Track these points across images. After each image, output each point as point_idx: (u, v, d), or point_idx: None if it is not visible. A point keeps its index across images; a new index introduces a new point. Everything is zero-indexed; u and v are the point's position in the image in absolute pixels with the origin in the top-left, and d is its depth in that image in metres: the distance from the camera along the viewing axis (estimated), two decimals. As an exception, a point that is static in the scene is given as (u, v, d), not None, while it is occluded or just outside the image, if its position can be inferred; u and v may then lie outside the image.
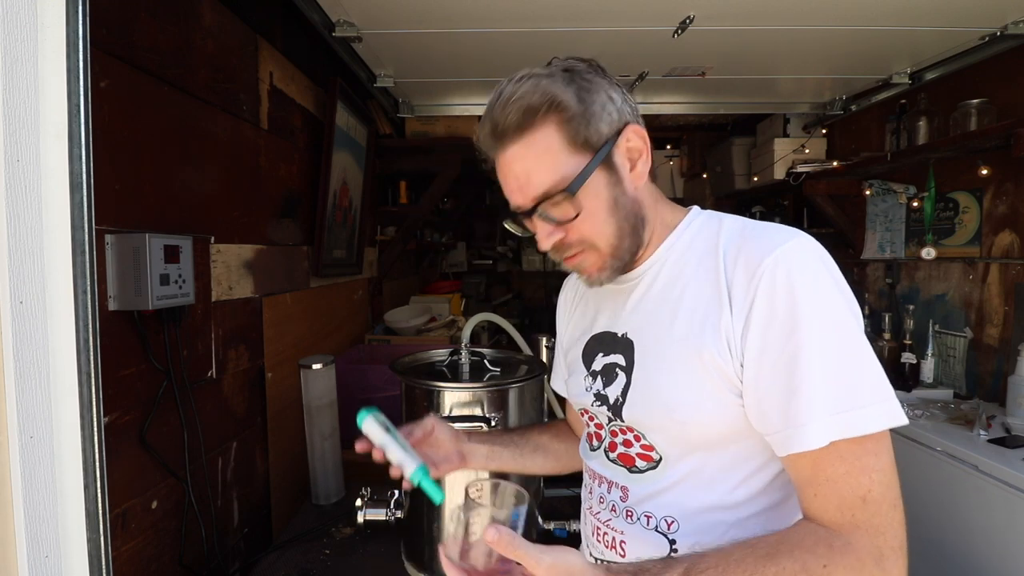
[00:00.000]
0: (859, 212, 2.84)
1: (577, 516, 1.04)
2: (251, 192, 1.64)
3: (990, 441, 1.72)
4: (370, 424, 0.83)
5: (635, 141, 0.76)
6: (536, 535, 1.33)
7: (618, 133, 0.74)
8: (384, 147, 2.86)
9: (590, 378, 0.86)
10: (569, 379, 0.94)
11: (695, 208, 0.84)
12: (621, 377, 0.80)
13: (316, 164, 2.12)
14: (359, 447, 0.84)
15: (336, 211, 2.25)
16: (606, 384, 0.82)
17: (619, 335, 0.82)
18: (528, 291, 4.93)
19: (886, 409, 0.64)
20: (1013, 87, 2.04)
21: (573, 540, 1.31)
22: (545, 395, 1.47)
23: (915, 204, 2.49)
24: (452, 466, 0.92)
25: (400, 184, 3.12)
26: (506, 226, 0.82)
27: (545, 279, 4.77)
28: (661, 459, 0.77)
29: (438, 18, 1.69)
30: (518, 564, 0.59)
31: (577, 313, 0.96)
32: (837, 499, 0.63)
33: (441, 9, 1.63)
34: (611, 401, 0.81)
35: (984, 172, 2.09)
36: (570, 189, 0.72)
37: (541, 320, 4.48)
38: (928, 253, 2.27)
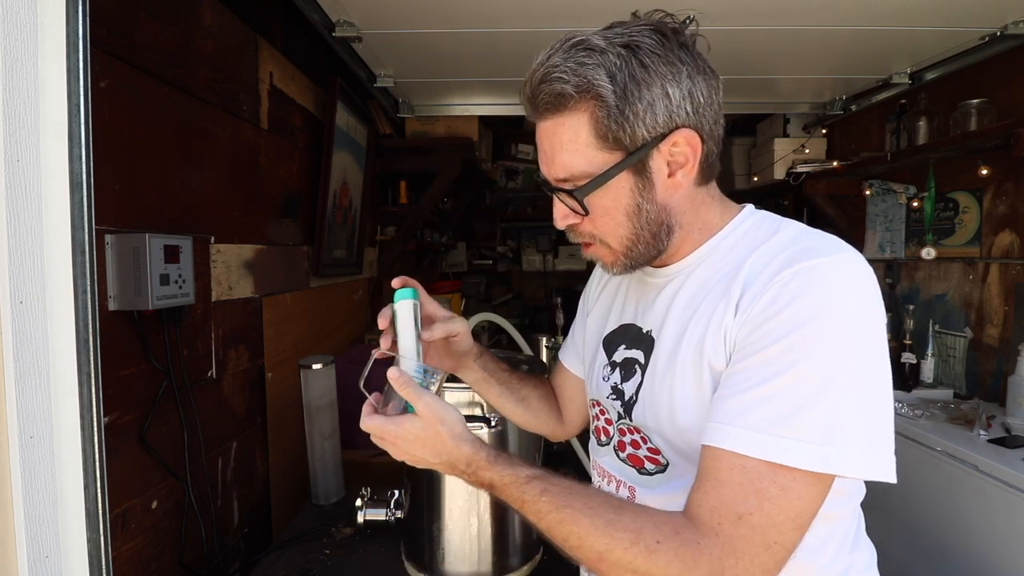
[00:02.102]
0: (859, 212, 2.84)
1: None
2: (251, 192, 1.64)
3: (990, 441, 1.72)
4: (404, 308, 0.79)
5: (682, 148, 0.69)
6: (536, 535, 1.33)
7: (662, 136, 0.68)
8: (384, 147, 2.86)
9: (609, 368, 0.84)
10: (588, 364, 0.92)
11: (747, 208, 0.78)
12: (638, 375, 0.78)
13: (316, 164, 2.12)
14: (381, 321, 0.80)
15: (336, 211, 2.25)
16: (624, 379, 0.81)
17: (644, 331, 0.79)
18: (528, 291, 4.93)
19: (817, 453, 0.57)
20: (1013, 87, 2.04)
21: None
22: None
23: (915, 204, 2.49)
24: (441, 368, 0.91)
25: (400, 184, 3.12)
26: (536, 180, 0.78)
27: (545, 279, 4.77)
28: (668, 464, 0.75)
29: (438, 18, 1.69)
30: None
31: (608, 292, 0.93)
32: (715, 501, 0.60)
33: (441, 9, 1.63)
34: (626, 397, 0.80)
35: (984, 172, 2.09)
36: (581, 191, 0.70)
37: (541, 320, 4.48)
38: (928, 253, 2.27)
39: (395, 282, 0.82)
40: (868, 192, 2.68)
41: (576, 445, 1.60)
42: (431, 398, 0.71)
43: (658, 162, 0.69)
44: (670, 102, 0.67)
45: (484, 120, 3.23)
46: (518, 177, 4.49)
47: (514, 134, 4.35)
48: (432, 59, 2.04)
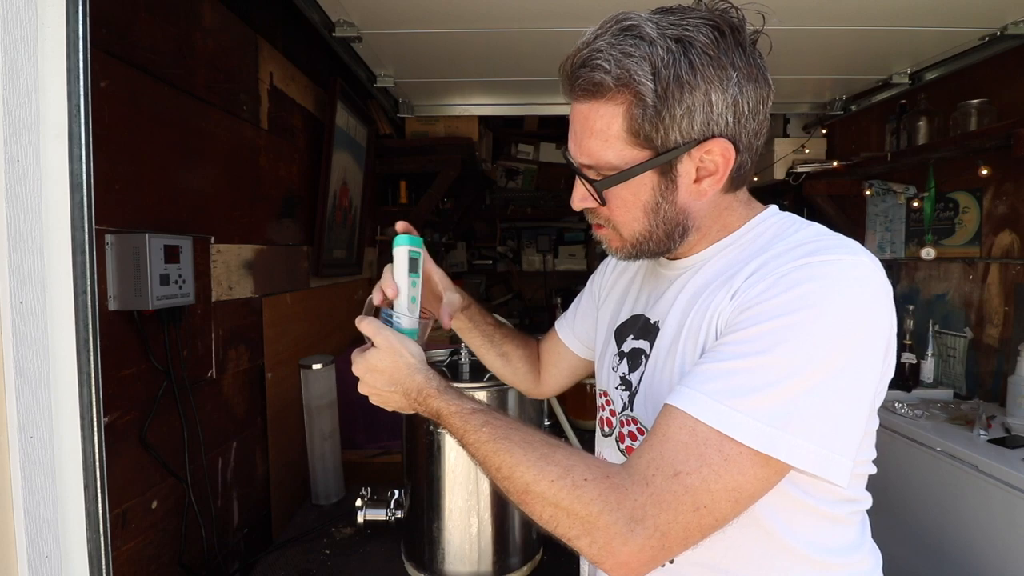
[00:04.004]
0: (859, 212, 2.83)
1: None
2: (251, 192, 1.64)
3: (990, 441, 1.72)
4: (398, 255, 0.80)
5: (714, 156, 0.67)
6: (536, 535, 1.33)
7: (696, 143, 0.65)
8: (384, 147, 2.86)
9: (618, 357, 0.84)
10: (599, 354, 0.92)
11: (771, 209, 0.76)
12: (643, 366, 0.78)
13: (316, 164, 2.12)
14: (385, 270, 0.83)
15: (336, 211, 2.25)
16: (631, 369, 0.80)
17: (652, 321, 0.79)
18: (528, 291, 4.93)
19: (772, 436, 0.56)
20: (1013, 87, 2.03)
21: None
22: (545, 395, 1.46)
23: (915, 204, 2.49)
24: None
25: (400, 184, 3.12)
26: (563, 154, 0.77)
27: (545, 279, 4.76)
28: None
29: (438, 18, 1.69)
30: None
31: (622, 283, 0.93)
32: (655, 454, 0.59)
33: (441, 9, 1.63)
34: (632, 387, 0.79)
35: (984, 172, 2.09)
36: (602, 184, 0.69)
37: (541, 320, 4.47)
38: (928, 253, 2.27)
39: (398, 225, 0.83)
40: (868, 192, 2.68)
41: (569, 432, 1.60)
42: (390, 333, 0.76)
43: (687, 166, 0.68)
44: (711, 109, 0.64)
45: (484, 120, 3.23)
46: (518, 177, 4.49)
47: (514, 134, 4.35)
48: (432, 59, 2.04)
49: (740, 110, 0.65)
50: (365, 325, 0.76)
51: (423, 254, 0.83)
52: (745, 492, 0.58)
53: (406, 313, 0.79)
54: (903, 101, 2.42)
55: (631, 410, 0.79)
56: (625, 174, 0.67)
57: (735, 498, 0.58)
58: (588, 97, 0.67)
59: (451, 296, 0.93)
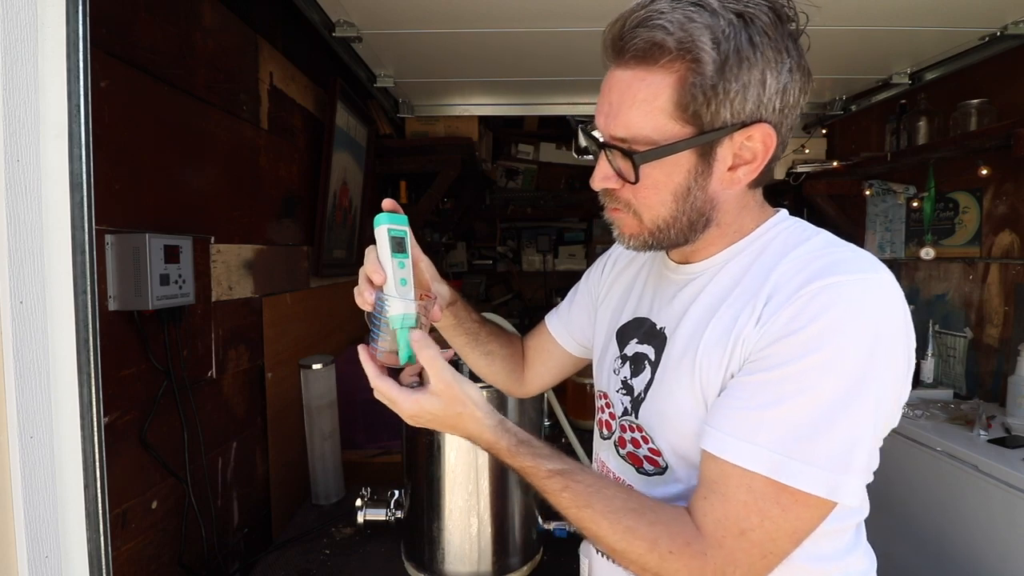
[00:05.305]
0: (859, 212, 2.84)
1: None
2: (251, 192, 1.64)
3: (990, 441, 1.72)
4: (379, 236, 0.71)
5: (754, 143, 0.64)
6: (536, 535, 1.33)
7: (742, 125, 0.63)
8: (384, 147, 2.86)
9: (620, 360, 0.82)
10: (598, 356, 0.90)
11: (781, 213, 0.74)
12: (647, 372, 0.76)
13: (316, 164, 2.12)
14: (367, 253, 0.73)
15: (336, 211, 2.25)
16: (633, 374, 0.78)
17: (657, 327, 0.77)
18: (528, 291, 4.92)
19: (826, 479, 0.58)
20: (1013, 87, 2.04)
21: (574, 540, 1.31)
22: (545, 395, 1.47)
23: (915, 204, 2.49)
24: None
25: (400, 184, 3.12)
26: (579, 130, 0.72)
27: (545, 279, 4.76)
28: (667, 467, 0.74)
29: (438, 18, 1.69)
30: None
31: (622, 283, 0.90)
32: (720, 514, 0.62)
33: (441, 9, 1.63)
34: (635, 393, 0.78)
35: (984, 172, 2.09)
36: (642, 157, 0.64)
37: (541, 320, 4.47)
38: (928, 253, 2.28)
39: (385, 203, 0.74)
40: (868, 192, 2.68)
41: (569, 432, 1.60)
42: (449, 374, 0.68)
43: (725, 151, 0.65)
44: (763, 92, 0.62)
45: (484, 120, 3.23)
46: (518, 177, 4.49)
47: (514, 134, 4.35)
48: (432, 59, 2.04)
49: (787, 99, 0.64)
50: (426, 357, 0.67)
51: (409, 234, 0.74)
52: (804, 531, 0.62)
53: (395, 296, 0.70)
54: (903, 101, 2.42)
55: (635, 416, 0.78)
56: (664, 150, 0.63)
57: (796, 539, 0.62)
58: (638, 62, 0.62)
59: (440, 287, 0.86)
